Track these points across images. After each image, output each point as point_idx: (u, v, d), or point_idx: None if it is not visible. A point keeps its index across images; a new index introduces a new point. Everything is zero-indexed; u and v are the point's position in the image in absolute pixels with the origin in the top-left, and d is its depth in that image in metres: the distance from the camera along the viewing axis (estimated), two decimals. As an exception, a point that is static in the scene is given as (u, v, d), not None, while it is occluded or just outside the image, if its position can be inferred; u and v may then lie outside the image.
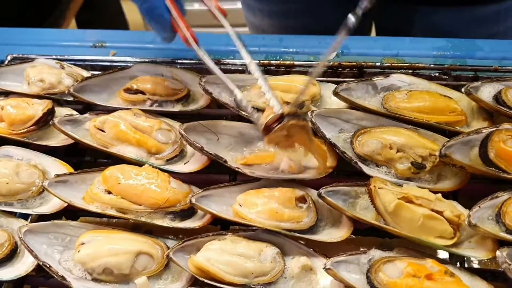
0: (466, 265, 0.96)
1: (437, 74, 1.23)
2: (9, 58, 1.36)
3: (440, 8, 1.45)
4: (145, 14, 1.08)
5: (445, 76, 1.23)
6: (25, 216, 1.06)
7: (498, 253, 0.88)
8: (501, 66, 1.23)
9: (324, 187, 0.96)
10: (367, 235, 1.02)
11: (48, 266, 0.93)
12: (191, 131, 1.06)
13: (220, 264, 0.90)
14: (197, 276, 0.90)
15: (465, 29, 1.40)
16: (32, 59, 1.29)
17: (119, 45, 1.42)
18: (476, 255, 0.92)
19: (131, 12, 3.33)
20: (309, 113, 1.07)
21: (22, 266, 0.99)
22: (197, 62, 1.29)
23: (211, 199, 1.00)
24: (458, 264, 0.95)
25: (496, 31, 1.46)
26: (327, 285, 0.92)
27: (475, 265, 1.04)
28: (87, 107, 1.24)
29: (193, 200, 0.96)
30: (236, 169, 1.04)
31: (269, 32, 1.65)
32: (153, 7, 1.07)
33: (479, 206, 0.93)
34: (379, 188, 0.93)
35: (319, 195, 0.95)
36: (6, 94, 1.23)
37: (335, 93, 1.10)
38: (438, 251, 1.01)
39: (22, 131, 1.16)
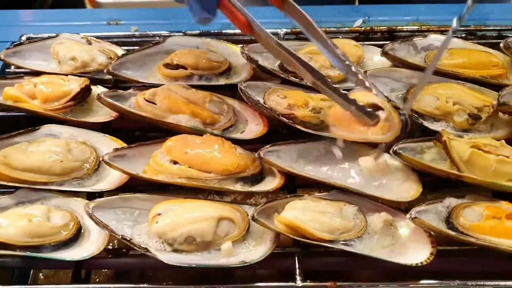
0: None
1: (463, 35, 1.29)
2: (24, 38, 1.29)
3: None
4: None
5: (471, 36, 1.29)
6: (80, 196, 1.01)
7: None
8: (521, 25, 1.30)
9: (395, 144, 0.98)
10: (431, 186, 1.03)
11: (129, 239, 0.89)
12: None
13: (307, 221, 0.89)
14: (286, 234, 0.89)
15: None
16: (55, 36, 1.23)
17: (136, 22, 1.38)
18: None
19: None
20: (362, 73, 1.09)
21: (91, 246, 0.94)
22: (229, 33, 1.28)
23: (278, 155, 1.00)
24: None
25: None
26: (409, 237, 0.94)
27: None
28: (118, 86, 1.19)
29: (261, 154, 0.96)
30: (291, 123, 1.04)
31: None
32: None
33: (539, 150, 0.99)
34: (451, 139, 0.96)
35: (394, 152, 0.96)
36: (37, 74, 1.16)
37: (385, 53, 1.13)
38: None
39: (58, 106, 1.10)
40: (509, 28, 1.29)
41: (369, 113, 0.94)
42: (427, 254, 0.88)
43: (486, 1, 1.44)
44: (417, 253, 0.89)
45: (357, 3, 1.79)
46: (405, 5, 1.42)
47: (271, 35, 0.94)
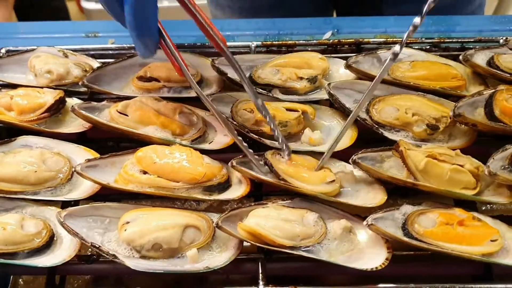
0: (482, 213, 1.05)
1: (427, 47, 1.34)
2: (3, 51, 1.32)
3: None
4: (134, 30, 0.94)
5: (435, 48, 1.34)
6: (55, 204, 1.05)
7: (518, 196, 0.98)
8: (483, 37, 1.34)
9: (355, 154, 1.02)
10: (393, 194, 1.08)
11: (98, 246, 0.94)
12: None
13: (269, 228, 0.94)
14: (248, 241, 0.93)
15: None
16: (33, 49, 1.27)
17: (113, 35, 1.42)
18: (498, 200, 1.02)
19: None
20: (326, 86, 1.14)
21: (63, 252, 0.98)
22: (200, 45, 1.32)
23: (248, 166, 1.03)
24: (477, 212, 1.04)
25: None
26: (367, 243, 0.98)
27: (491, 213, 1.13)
28: (93, 98, 1.23)
29: (234, 163, 1.00)
30: (259, 139, 1.08)
31: None
32: (146, 26, 0.94)
33: (493, 158, 1.03)
34: (408, 149, 1.01)
35: (353, 162, 1.01)
36: (13, 86, 1.20)
37: (348, 66, 1.17)
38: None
39: (33, 118, 1.13)
40: (471, 40, 1.34)
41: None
42: (382, 259, 0.93)
43: (451, 12, 1.50)
44: (373, 258, 0.94)
45: (335, 15, 1.84)
46: (375, 17, 1.46)
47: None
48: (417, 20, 0.96)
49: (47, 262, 0.97)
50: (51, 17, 3.12)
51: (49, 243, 0.99)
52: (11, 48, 1.33)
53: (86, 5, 3.35)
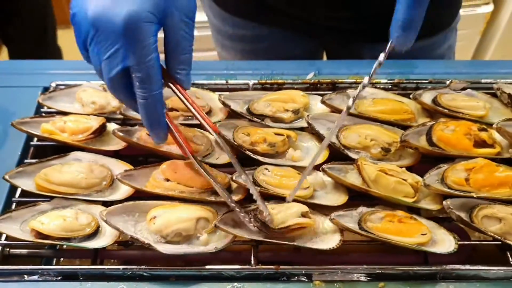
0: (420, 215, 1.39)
1: (390, 86, 1.68)
2: (53, 84, 1.68)
3: (380, 44, 1.87)
4: (147, 126, 1.18)
5: (395, 88, 1.68)
6: (100, 204, 1.39)
7: (444, 203, 1.31)
8: (434, 79, 1.69)
9: (325, 164, 1.37)
10: (354, 199, 1.41)
11: (136, 238, 1.26)
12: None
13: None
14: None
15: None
16: (79, 85, 1.62)
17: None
18: (431, 207, 1.34)
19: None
20: (306, 117, 1.49)
21: (107, 239, 1.31)
22: (211, 83, 1.68)
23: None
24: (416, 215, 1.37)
25: (429, 58, 1.91)
26: (328, 232, 1.31)
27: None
28: (126, 123, 1.58)
29: (234, 177, 1.33)
30: (253, 156, 1.42)
31: None
32: (156, 122, 1.17)
33: (429, 174, 1.37)
34: (364, 164, 1.35)
35: (322, 169, 1.35)
36: (65, 114, 1.55)
37: (323, 102, 1.52)
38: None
39: (82, 138, 1.47)
40: (425, 81, 1.68)
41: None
42: (337, 241, 1.26)
43: (420, 55, 1.82)
44: (331, 241, 1.27)
45: (324, 58, 2.18)
46: (351, 60, 1.80)
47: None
48: (381, 57, 1.17)
49: (94, 245, 1.30)
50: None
51: (96, 232, 1.32)
52: (59, 82, 1.69)
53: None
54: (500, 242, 1.28)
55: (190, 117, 1.54)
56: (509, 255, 1.28)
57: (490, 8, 3.77)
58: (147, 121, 1.16)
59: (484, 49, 3.95)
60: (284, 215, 1.26)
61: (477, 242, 1.37)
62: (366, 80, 1.24)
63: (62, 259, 1.62)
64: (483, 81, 1.68)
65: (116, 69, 1.06)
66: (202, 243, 1.28)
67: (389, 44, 1.11)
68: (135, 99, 1.11)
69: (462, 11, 3.76)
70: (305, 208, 1.29)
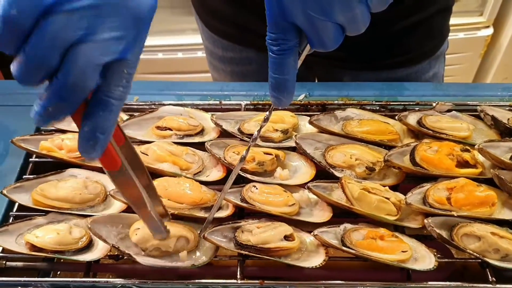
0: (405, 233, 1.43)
1: (377, 107, 1.74)
2: (54, 104, 1.75)
3: (363, 71, 1.93)
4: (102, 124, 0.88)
5: (383, 109, 1.73)
6: (92, 218, 1.45)
7: (425, 221, 1.35)
8: (421, 101, 1.75)
9: (310, 182, 1.42)
10: (339, 217, 1.46)
11: (117, 247, 1.31)
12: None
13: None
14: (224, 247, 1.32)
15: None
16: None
17: (137, 93, 1.84)
18: (412, 225, 1.39)
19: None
20: (293, 137, 1.54)
21: (98, 252, 1.36)
22: (205, 103, 1.74)
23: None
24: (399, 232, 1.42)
25: None
26: (312, 250, 1.35)
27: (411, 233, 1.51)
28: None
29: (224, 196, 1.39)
30: (243, 174, 1.48)
31: None
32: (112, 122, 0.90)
33: (412, 192, 1.42)
34: (348, 182, 1.40)
35: (308, 187, 1.40)
36: (63, 131, 1.61)
37: (310, 122, 1.57)
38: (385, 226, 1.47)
39: (78, 155, 1.53)
40: (412, 103, 1.74)
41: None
42: (321, 260, 1.31)
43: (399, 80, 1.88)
44: (315, 260, 1.31)
45: (316, 80, 2.25)
46: (340, 83, 1.87)
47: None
48: (267, 113, 1.21)
49: (86, 258, 1.35)
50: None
51: (89, 245, 1.38)
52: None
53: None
54: (480, 260, 1.32)
55: (182, 136, 1.60)
56: (487, 273, 1.31)
57: (490, 31, 3.83)
58: (104, 128, 0.90)
59: (486, 72, 4.00)
60: (268, 235, 1.31)
61: (457, 260, 1.40)
62: (256, 134, 1.27)
63: (59, 272, 1.66)
64: (469, 103, 1.72)
65: (110, 57, 0.81)
66: (181, 259, 1.32)
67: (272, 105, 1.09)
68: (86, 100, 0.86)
69: (462, 34, 3.82)
70: (289, 231, 1.33)
